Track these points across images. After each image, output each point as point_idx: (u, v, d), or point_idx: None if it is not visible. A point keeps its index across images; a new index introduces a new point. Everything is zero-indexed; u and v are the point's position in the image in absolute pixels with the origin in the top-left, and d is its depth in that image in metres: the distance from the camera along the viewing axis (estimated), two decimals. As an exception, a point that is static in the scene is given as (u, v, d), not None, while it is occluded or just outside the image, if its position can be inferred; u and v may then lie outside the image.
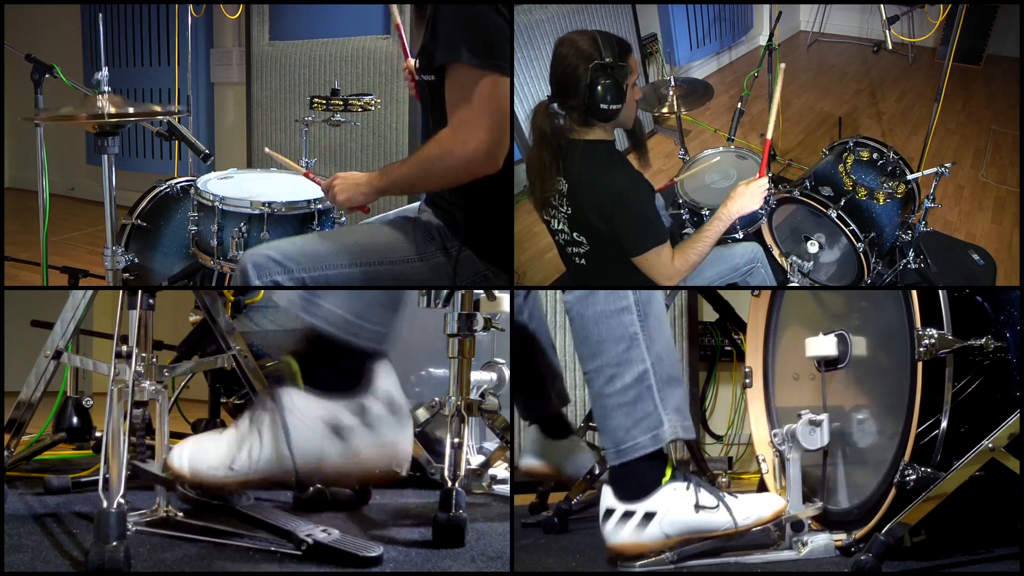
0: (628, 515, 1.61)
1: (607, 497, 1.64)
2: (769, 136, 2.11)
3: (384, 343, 1.57)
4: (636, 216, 1.99)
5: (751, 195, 2.08)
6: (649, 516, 1.60)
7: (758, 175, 2.12)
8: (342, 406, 1.52)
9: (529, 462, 2.15)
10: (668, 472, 1.63)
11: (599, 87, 1.92)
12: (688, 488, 1.62)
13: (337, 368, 1.53)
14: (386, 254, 1.94)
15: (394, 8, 2.40)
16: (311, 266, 1.85)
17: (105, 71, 2.33)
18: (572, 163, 2.01)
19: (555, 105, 2.00)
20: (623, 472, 1.63)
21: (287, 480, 1.55)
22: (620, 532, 1.61)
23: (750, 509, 1.65)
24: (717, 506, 1.62)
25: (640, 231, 2.00)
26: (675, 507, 1.60)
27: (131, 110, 2.32)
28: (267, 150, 2.33)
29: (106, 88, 2.31)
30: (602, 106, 1.94)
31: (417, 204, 2.16)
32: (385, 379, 1.55)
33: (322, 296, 1.53)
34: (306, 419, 1.51)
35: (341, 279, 1.85)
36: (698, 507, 1.61)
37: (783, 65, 2.13)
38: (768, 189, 2.10)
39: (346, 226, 2.20)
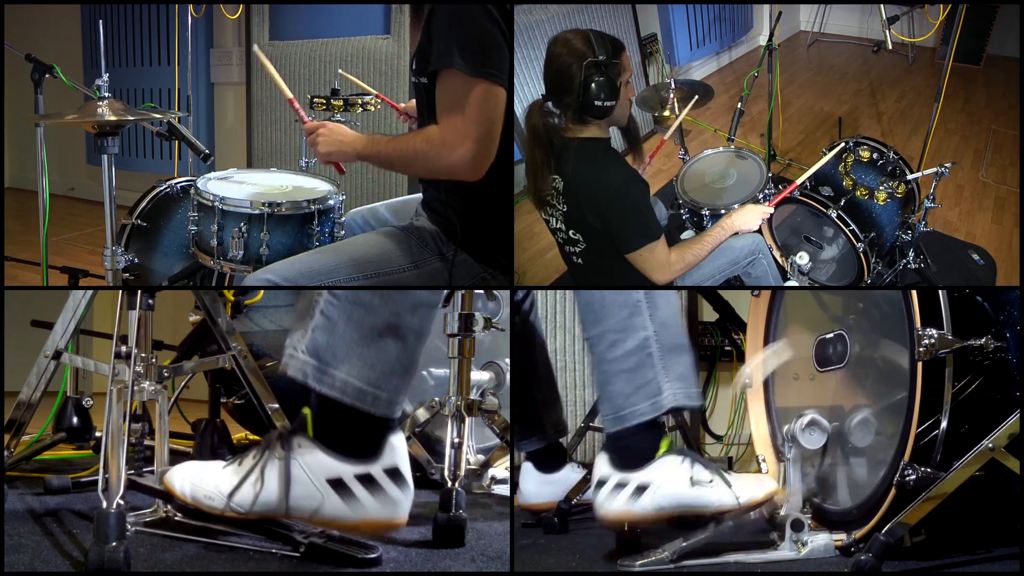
0: (621, 485, 1.60)
1: (601, 466, 1.63)
2: (797, 181, 2.33)
3: (398, 411, 1.55)
4: (630, 213, 2.00)
5: (754, 214, 2.19)
6: (643, 488, 1.59)
7: (769, 203, 2.27)
8: (348, 469, 1.51)
9: (526, 497, 2.14)
10: (665, 445, 1.62)
11: (593, 84, 1.94)
12: (684, 461, 1.61)
13: (349, 434, 1.52)
14: (381, 265, 1.95)
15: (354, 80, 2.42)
16: (309, 284, 1.85)
17: (106, 76, 2.34)
18: (567, 161, 2.02)
19: (549, 104, 2.01)
20: (620, 440, 1.63)
21: (280, 521, 1.56)
22: (612, 502, 1.60)
23: (744, 489, 1.63)
24: (711, 482, 1.60)
25: (634, 227, 2.01)
26: (670, 480, 1.59)
27: (130, 118, 2.35)
28: (255, 49, 2.41)
29: (106, 94, 2.32)
30: (596, 103, 1.95)
31: (414, 203, 2.16)
32: (396, 453, 1.54)
33: (335, 365, 1.51)
34: (310, 472, 1.51)
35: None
36: (693, 482, 1.59)
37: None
38: (770, 216, 2.32)
39: (341, 242, 2.21)
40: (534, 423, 2.16)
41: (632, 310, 1.62)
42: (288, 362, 1.54)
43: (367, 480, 1.51)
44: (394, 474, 1.53)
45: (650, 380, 1.62)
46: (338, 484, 1.50)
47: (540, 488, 2.13)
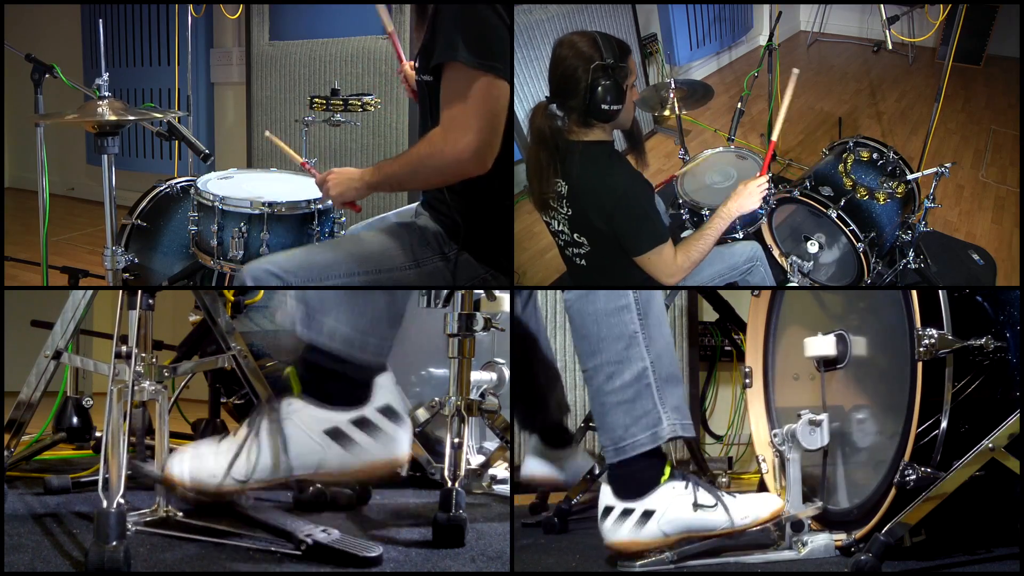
0: (627, 513, 1.61)
1: (606, 495, 1.64)
2: (774, 138, 2.15)
3: (386, 357, 1.57)
4: (637, 216, 2.00)
5: (750, 194, 2.12)
6: (648, 514, 1.60)
7: (759, 174, 2.15)
8: (343, 417, 1.52)
9: (530, 470, 2.15)
10: (667, 471, 1.63)
11: (600, 88, 1.92)
12: (687, 487, 1.63)
13: (338, 383, 1.54)
14: (382, 262, 1.95)
15: (383, 12, 2.40)
16: (308, 278, 1.86)
17: (106, 76, 2.34)
18: (571, 164, 2.02)
19: (554, 106, 2.00)
20: (622, 471, 1.64)
21: (286, 482, 1.56)
22: (618, 530, 1.61)
23: (748, 509, 1.65)
24: (715, 505, 1.63)
25: (642, 231, 2.00)
26: (674, 506, 1.61)
27: (130, 118, 2.35)
28: (267, 134, 2.37)
29: (106, 93, 2.32)
30: (603, 106, 1.94)
31: (414, 206, 2.16)
32: (385, 391, 1.55)
33: (324, 312, 1.53)
34: (305, 427, 1.52)
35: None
36: (696, 506, 1.61)
37: (796, 71, 2.10)
38: (767, 188, 2.14)
39: (342, 236, 2.21)
40: (538, 402, 2.17)
41: (628, 342, 1.64)
42: (278, 309, 1.56)
43: (363, 423, 1.53)
44: (388, 412, 1.54)
45: (649, 411, 1.63)
46: (336, 433, 1.52)
47: (543, 465, 2.14)
